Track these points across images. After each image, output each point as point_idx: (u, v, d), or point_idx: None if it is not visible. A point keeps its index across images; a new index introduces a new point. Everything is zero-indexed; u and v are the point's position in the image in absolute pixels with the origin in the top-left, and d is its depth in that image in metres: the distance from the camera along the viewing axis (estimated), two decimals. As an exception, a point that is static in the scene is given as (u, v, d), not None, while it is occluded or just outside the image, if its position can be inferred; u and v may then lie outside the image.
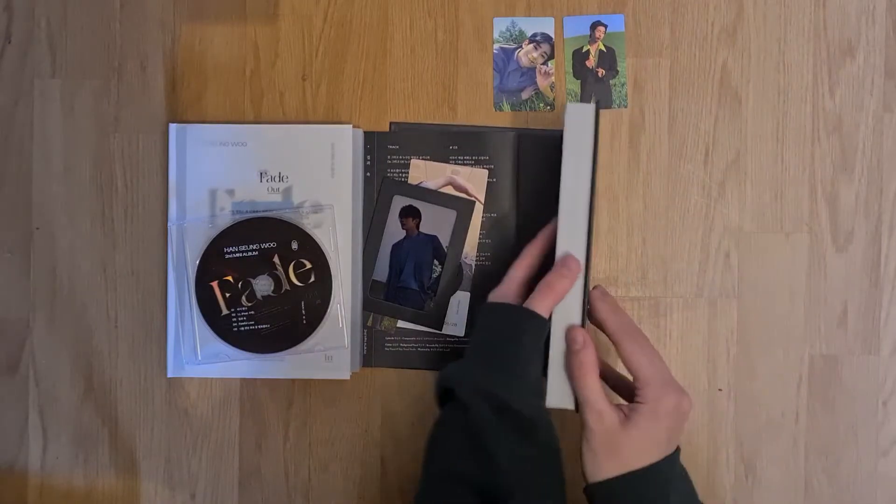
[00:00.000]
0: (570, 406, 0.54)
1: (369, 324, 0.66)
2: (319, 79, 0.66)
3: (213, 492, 0.67)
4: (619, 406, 0.53)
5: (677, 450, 0.53)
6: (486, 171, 0.65)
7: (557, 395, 0.54)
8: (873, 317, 0.65)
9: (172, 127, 0.65)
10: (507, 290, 0.57)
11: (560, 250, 0.55)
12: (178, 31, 0.67)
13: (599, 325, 0.56)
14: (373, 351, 0.66)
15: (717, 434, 0.65)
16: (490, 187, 0.65)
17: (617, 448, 0.51)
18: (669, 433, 0.52)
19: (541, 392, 0.55)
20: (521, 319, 0.54)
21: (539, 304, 0.54)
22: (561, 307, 0.54)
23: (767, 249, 0.65)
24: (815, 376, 0.65)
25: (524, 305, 0.54)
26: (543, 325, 0.54)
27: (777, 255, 0.65)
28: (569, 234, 0.55)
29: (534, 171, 0.65)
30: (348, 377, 0.64)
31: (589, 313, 0.56)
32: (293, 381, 0.66)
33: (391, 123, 0.66)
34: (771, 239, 0.65)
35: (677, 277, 0.66)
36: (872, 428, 0.65)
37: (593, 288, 0.57)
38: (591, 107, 0.55)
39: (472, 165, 0.65)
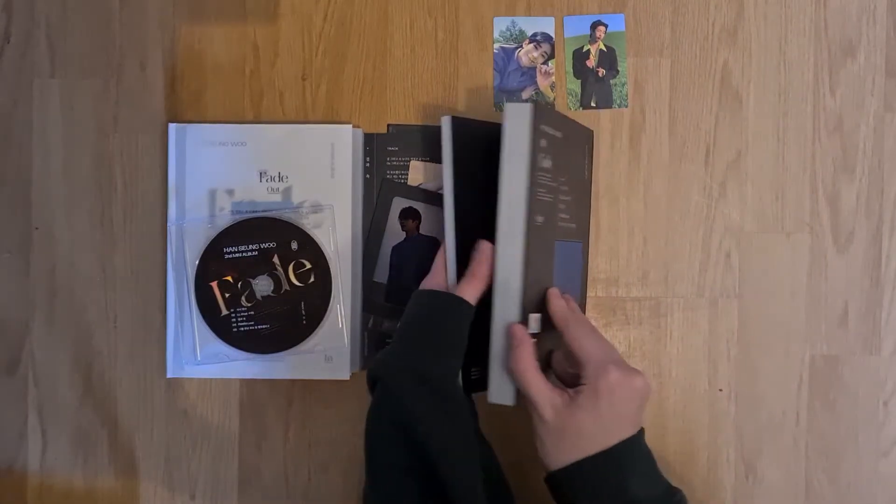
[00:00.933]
0: (510, 402, 0.54)
1: (370, 325, 0.66)
2: (319, 79, 0.66)
3: (212, 492, 0.67)
4: (563, 391, 0.52)
5: (640, 431, 0.52)
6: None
7: (498, 391, 0.55)
8: (874, 317, 0.65)
9: (172, 127, 0.65)
10: (437, 279, 0.58)
11: (500, 250, 0.54)
12: (177, 31, 0.67)
13: (551, 319, 0.56)
14: (374, 353, 0.66)
15: (718, 434, 0.65)
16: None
17: (564, 433, 0.51)
18: (619, 412, 0.51)
19: (458, 374, 0.56)
20: (445, 304, 0.56)
21: (465, 290, 0.55)
22: (500, 305, 0.54)
23: (768, 249, 0.65)
24: (815, 376, 0.65)
25: (454, 293, 0.56)
26: (469, 309, 0.55)
27: (778, 255, 0.65)
28: (508, 235, 0.54)
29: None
30: (348, 378, 0.64)
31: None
32: (293, 381, 0.66)
33: (389, 125, 0.66)
34: (772, 239, 0.65)
35: (678, 278, 0.65)
36: (873, 428, 0.65)
37: (549, 288, 0.57)
38: (527, 106, 0.53)
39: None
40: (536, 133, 0.53)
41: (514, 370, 0.53)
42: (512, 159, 0.54)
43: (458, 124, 0.58)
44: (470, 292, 0.55)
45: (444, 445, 0.52)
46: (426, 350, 0.55)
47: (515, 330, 0.53)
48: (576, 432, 0.51)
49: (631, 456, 0.51)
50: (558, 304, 0.56)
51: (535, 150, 0.54)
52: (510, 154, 0.54)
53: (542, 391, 0.52)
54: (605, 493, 0.50)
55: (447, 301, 0.56)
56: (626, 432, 0.51)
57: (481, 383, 0.56)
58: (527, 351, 0.53)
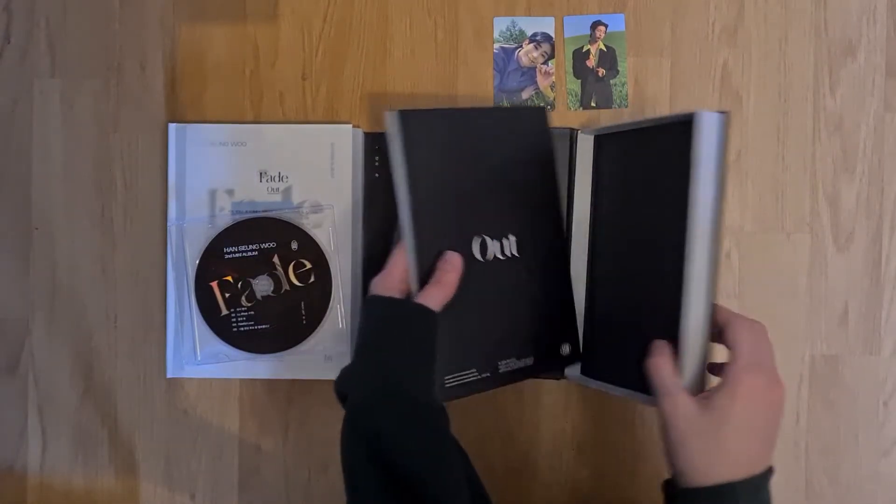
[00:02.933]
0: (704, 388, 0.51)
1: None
2: (319, 79, 0.66)
3: (212, 492, 0.67)
4: (703, 397, 0.50)
5: (768, 471, 0.49)
6: None
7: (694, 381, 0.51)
8: (874, 317, 0.65)
9: (172, 127, 0.65)
10: (391, 281, 0.55)
11: (694, 253, 0.51)
12: (177, 31, 0.67)
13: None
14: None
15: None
16: None
17: (693, 437, 0.48)
18: (753, 423, 0.48)
19: (432, 385, 0.54)
20: (412, 314, 0.53)
21: (430, 297, 0.53)
22: (693, 302, 0.50)
23: (768, 249, 0.65)
24: (815, 376, 0.65)
25: (417, 301, 0.53)
26: (435, 320, 0.53)
27: (778, 254, 0.65)
28: (701, 245, 0.51)
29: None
30: (348, 377, 0.64)
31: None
32: (293, 381, 0.66)
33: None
34: (772, 239, 0.65)
35: (678, 277, 0.65)
36: (873, 428, 0.65)
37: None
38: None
39: None
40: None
41: (648, 363, 0.51)
42: (704, 171, 0.50)
43: (407, 117, 0.54)
44: (435, 300, 0.53)
45: (422, 464, 0.50)
46: (397, 365, 0.52)
47: (662, 345, 0.51)
48: (703, 437, 0.48)
49: (766, 492, 0.48)
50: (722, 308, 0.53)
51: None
52: (704, 165, 0.50)
53: (675, 387, 0.49)
54: None
55: (414, 311, 0.53)
56: (758, 457, 0.48)
57: (458, 390, 0.56)
58: (667, 353, 0.51)
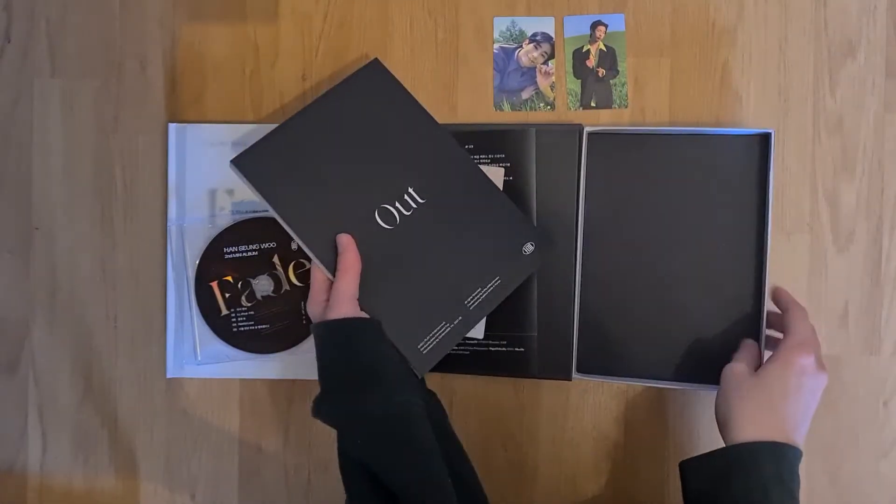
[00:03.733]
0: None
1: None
2: (319, 79, 0.66)
3: (213, 492, 0.67)
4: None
5: (799, 450, 0.53)
6: (503, 170, 0.64)
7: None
8: (874, 317, 0.65)
9: (172, 127, 0.65)
10: (318, 296, 0.57)
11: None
12: (177, 31, 0.67)
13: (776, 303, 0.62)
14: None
15: (718, 434, 0.65)
16: (507, 185, 0.64)
17: (744, 394, 0.54)
18: (795, 394, 0.54)
19: (404, 386, 0.55)
20: (351, 332, 0.55)
21: (345, 281, 0.55)
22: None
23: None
24: (815, 376, 0.65)
25: (335, 291, 0.55)
26: (376, 326, 0.55)
27: (778, 255, 0.65)
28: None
29: (552, 167, 0.64)
30: (348, 377, 0.64)
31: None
32: (293, 381, 0.66)
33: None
34: (772, 239, 0.65)
35: (678, 277, 0.65)
36: (874, 428, 0.65)
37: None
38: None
39: (487, 164, 0.64)
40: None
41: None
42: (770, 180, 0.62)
43: (242, 161, 0.57)
44: (351, 283, 0.55)
45: (401, 478, 0.52)
46: (353, 386, 0.54)
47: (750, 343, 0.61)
48: (755, 392, 0.54)
49: (792, 467, 0.53)
50: (786, 293, 0.62)
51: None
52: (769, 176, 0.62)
53: (738, 361, 0.57)
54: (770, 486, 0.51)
55: (351, 328, 0.55)
56: (794, 423, 0.54)
57: (437, 350, 0.57)
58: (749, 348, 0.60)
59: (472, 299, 0.59)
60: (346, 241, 0.56)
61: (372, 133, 0.60)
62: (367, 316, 0.56)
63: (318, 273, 0.57)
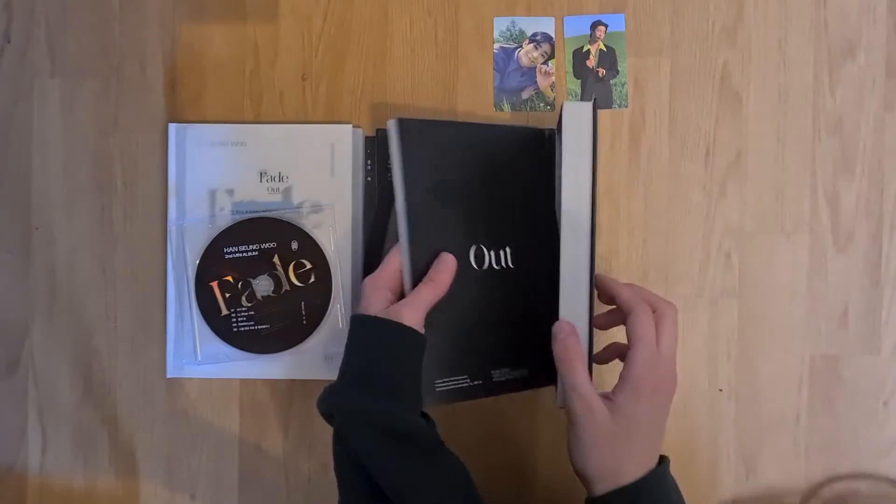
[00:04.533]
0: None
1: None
2: (319, 79, 0.66)
3: (213, 492, 0.67)
4: (605, 396, 0.51)
5: (666, 461, 0.52)
6: None
7: (562, 394, 0.54)
8: (874, 317, 0.65)
9: (172, 127, 0.65)
10: (383, 280, 0.55)
11: (563, 251, 0.55)
12: (177, 31, 0.67)
13: (610, 301, 0.55)
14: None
15: (718, 434, 0.65)
16: None
17: (605, 442, 0.49)
18: (657, 422, 0.50)
19: (418, 407, 0.53)
20: (399, 338, 0.52)
21: (422, 298, 0.53)
22: (568, 305, 0.54)
23: (768, 250, 0.65)
24: (815, 376, 0.65)
25: (408, 298, 0.53)
26: (422, 343, 0.53)
27: (778, 255, 0.65)
28: (573, 234, 0.55)
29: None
30: (348, 377, 0.64)
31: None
32: (293, 381, 0.66)
33: (377, 130, 0.66)
34: (772, 239, 0.65)
35: (678, 277, 0.65)
36: (873, 428, 0.65)
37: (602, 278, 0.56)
38: (588, 105, 0.55)
39: None
40: (596, 135, 0.54)
41: (563, 361, 0.51)
42: (574, 162, 0.54)
43: (407, 126, 0.56)
44: (426, 299, 0.53)
45: (404, 494, 0.50)
46: (382, 392, 0.52)
47: (562, 324, 0.53)
48: (617, 440, 0.49)
49: (666, 488, 0.51)
50: (625, 289, 0.53)
51: (595, 153, 0.54)
52: (571, 157, 0.55)
53: (590, 391, 0.50)
54: None
55: (401, 334, 0.52)
56: (658, 446, 0.51)
57: (448, 395, 0.56)
58: (575, 344, 0.52)
59: (498, 374, 0.58)
60: (450, 263, 0.55)
61: (508, 183, 0.59)
62: (422, 333, 0.53)
63: (395, 260, 0.55)
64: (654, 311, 0.52)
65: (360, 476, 0.52)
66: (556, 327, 0.53)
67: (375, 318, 0.53)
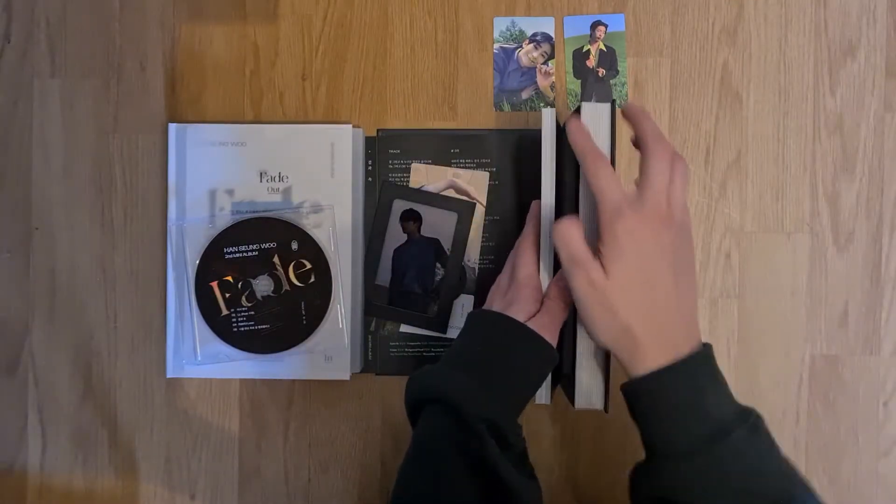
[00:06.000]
0: (600, 406, 0.53)
1: (372, 329, 0.66)
2: (319, 79, 0.66)
3: (212, 492, 0.67)
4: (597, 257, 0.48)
5: (708, 347, 0.48)
6: (488, 174, 0.65)
7: (585, 396, 0.53)
8: (874, 317, 0.65)
9: (172, 127, 0.65)
10: (526, 295, 0.53)
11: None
12: (177, 31, 0.67)
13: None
14: (378, 357, 0.66)
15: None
16: (492, 190, 0.65)
17: (609, 303, 0.47)
18: (654, 264, 0.46)
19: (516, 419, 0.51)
20: (541, 355, 0.51)
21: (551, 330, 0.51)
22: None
23: (768, 249, 0.65)
24: (815, 376, 0.65)
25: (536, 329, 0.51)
26: (555, 360, 0.52)
27: (778, 255, 0.65)
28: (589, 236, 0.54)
29: (536, 172, 0.64)
30: (348, 378, 0.64)
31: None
32: (293, 381, 0.66)
33: (378, 130, 0.66)
34: (772, 239, 0.65)
35: (678, 277, 0.65)
36: (873, 428, 0.65)
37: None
38: (606, 106, 0.53)
39: (473, 168, 0.65)
40: (614, 130, 0.53)
41: (566, 240, 0.48)
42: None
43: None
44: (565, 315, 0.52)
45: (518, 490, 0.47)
46: (508, 402, 0.49)
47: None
48: (616, 297, 0.46)
49: (704, 371, 0.48)
50: (581, 134, 0.50)
51: (613, 154, 0.53)
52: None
53: (586, 255, 0.47)
54: (680, 408, 0.46)
55: (544, 352, 0.50)
56: (676, 274, 0.47)
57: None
58: (576, 221, 0.49)
59: None
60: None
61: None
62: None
63: (532, 253, 0.54)
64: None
65: (473, 486, 0.47)
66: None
67: (526, 328, 0.50)
